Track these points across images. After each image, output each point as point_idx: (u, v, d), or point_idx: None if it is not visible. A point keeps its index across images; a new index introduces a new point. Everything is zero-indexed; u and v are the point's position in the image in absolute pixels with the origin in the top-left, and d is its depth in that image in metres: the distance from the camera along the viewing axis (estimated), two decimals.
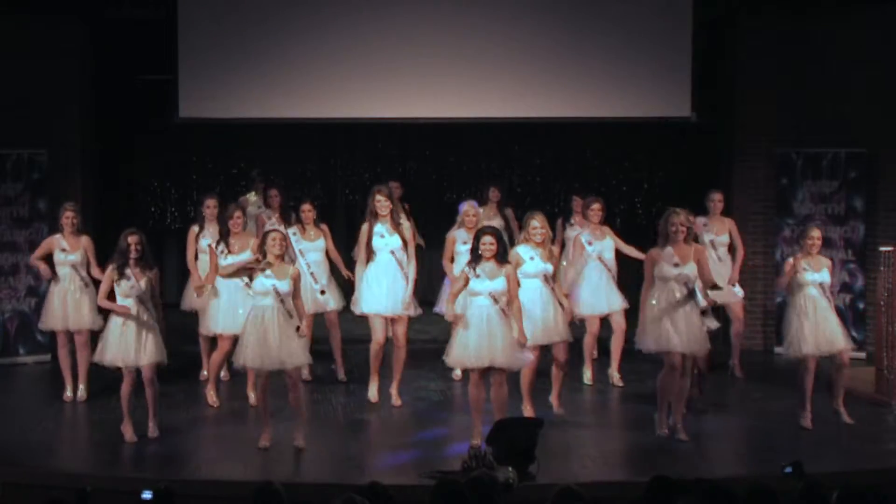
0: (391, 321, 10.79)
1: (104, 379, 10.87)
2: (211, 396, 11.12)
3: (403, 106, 13.58)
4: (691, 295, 9.83)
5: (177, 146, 15.09)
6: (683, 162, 14.85)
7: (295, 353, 9.59)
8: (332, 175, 15.42)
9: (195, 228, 11.74)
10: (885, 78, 12.96)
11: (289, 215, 12.25)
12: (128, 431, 9.93)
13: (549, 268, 10.14)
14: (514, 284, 9.59)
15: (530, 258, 10.11)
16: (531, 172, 15.44)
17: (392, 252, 10.67)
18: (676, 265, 9.76)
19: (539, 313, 10.09)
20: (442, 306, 12.01)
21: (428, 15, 13.52)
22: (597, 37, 13.57)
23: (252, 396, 10.95)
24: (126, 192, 15.07)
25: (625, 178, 15.44)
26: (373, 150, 15.38)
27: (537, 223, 10.17)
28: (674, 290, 9.77)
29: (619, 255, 11.81)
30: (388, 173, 14.77)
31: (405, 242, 10.74)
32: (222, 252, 10.86)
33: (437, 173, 15.49)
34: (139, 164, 15.15)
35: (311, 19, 13.47)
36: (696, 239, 11.00)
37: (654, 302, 9.81)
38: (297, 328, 9.60)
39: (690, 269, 9.80)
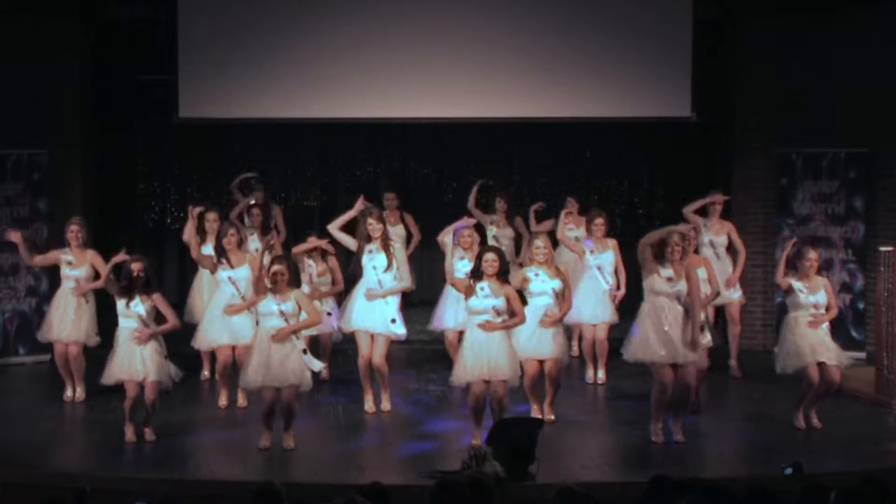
0: (373, 339, 10.78)
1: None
2: (221, 399, 11.12)
3: (403, 106, 13.59)
4: (680, 308, 9.82)
5: (177, 146, 15.07)
6: (683, 162, 14.84)
7: (296, 372, 9.64)
8: (332, 175, 15.41)
9: (196, 238, 11.60)
10: (885, 78, 12.96)
11: (269, 233, 12.21)
12: (128, 431, 9.95)
13: (557, 284, 10.18)
14: (516, 302, 9.68)
15: (535, 275, 10.17)
16: (531, 172, 15.43)
17: (374, 268, 10.68)
18: (669, 280, 9.77)
19: (539, 330, 10.15)
20: (438, 323, 12.01)
21: (428, 15, 13.52)
22: (597, 37, 13.57)
23: (241, 397, 11.00)
24: (126, 191, 15.06)
25: (625, 178, 15.43)
26: (373, 150, 15.37)
27: (541, 243, 10.31)
28: (664, 304, 9.78)
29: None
30: (388, 173, 14.76)
31: (390, 263, 10.71)
32: (222, 266, 10.88)
33: (437, 173, 15.47)
34: (139, 165, 15.13)
35: (310, 19, 13.47)
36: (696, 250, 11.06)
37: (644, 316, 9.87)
38: (305, 350, 9.66)
39: (682, 286, 9.80)
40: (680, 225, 10.49)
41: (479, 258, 9.76)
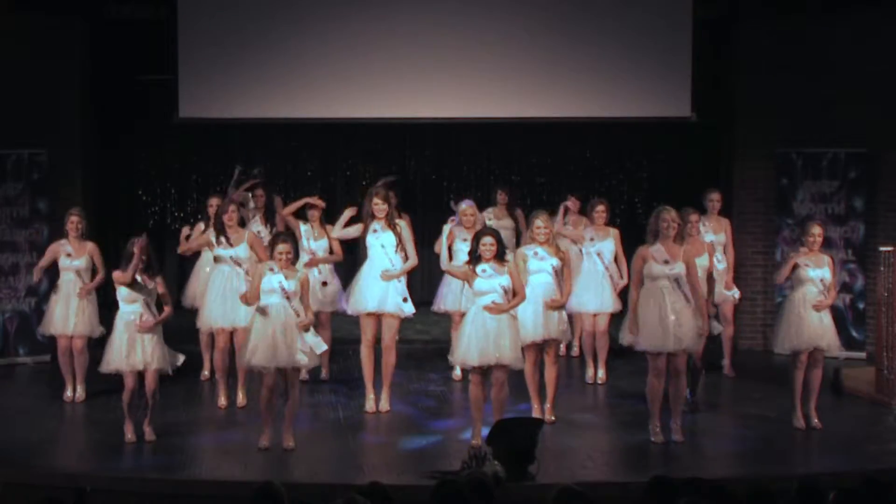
0: (381, 321, 10.78)
1: (103, 380, 10.85)
2: (221, 399, 11.10)
3: (403, 106, 13.58)
4: (681, 292, 9.80)
5: (177, 146, 15.08)
6: (683, 162, 14.85)
7: (299, 354, 9.60)
8: (332, 175, 15.41)
9: (200, 226, 11.76)
10: (885, 78, 12.96)
11: (273, 216, 12.24)
12: (128, 431, 9.94)
13: (556, 262, 10.17)
14: (517, 280, 9.64)
15: (534, 253, 10.17)
16: (531, 172, 15.43)
17: (383, 247, 10.67)
18: (666, 262, 9.75)
19: (540, 309, 10.13)
20: (440, 305, 12.05)
21: (428, 15, 13.52)
22: (597, 37, 13.58)
23: (241, 396, 11.00)
24: (126, 191, 15.07)
25: (625, 178, 15.44)
26: (373, 150, 15.38)
27: (541, 223, 10.25)
28: (663, 288, 9.77)
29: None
30: (388, 173, 14.75)
31: (400, 242, 10.72)
32: (221, 245, 10.90)
33: (437, 173, 15.48)
34: (139, 164, 15.14)
35: (310, 19, 13.47)
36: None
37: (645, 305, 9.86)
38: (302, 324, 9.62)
39: (681, 268, 9.78)
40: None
41: (476, 241, 9.73)
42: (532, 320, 10.13)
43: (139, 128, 14.78)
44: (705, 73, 13.66)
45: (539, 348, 10.30)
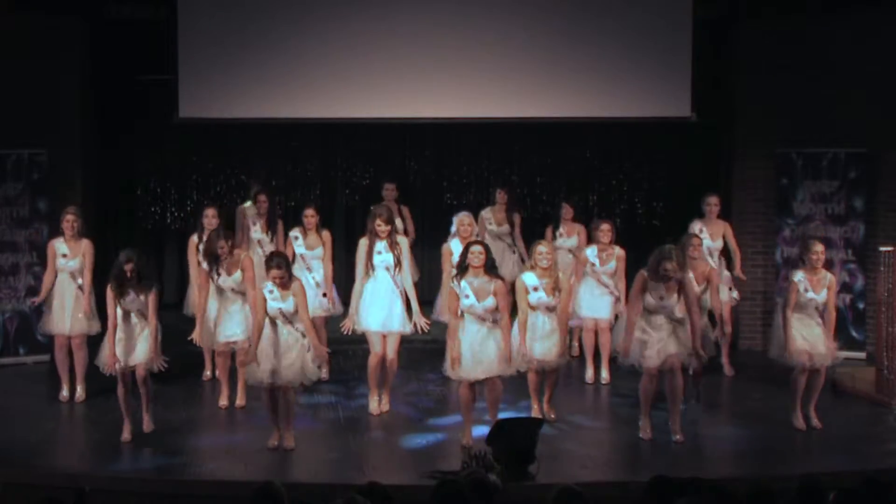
0: (386, 335, 10.79)
1: (102, 380, 10.86)
2: (222, 399, 11.09)
3: (403, 106, 13.58)
4: (679, 321, 9.89)
5: (177, 146, 15.06)
6: (683, 162, 14.83)
7: (300, 372, 9.64)
8: (332, 175, 15.40)
9: (194, 238, 11.76)
10: (885, 78, 12.96)
11: (275, 222, 12.23)
12: (125, 430, 9.95)
13: (552, 301, 10.17)
14: (504, 300, 9.65)
15: (534, 289, 10.16)
16: (531, 172, 15.42)
17: (387, 269, 10.68)
18: (661, 298, 9.86)
19: (538, 338, 10.18)
20: (441, 315, 12.05)
21: (428, 15, 13.52)
22: (597, 37, 13.57)
23: (241, 397, 10.98)
24: (126, 192, 15.05)
25: (625, 178, 15.42)
26: (373, 150, 15.37)
27: (544, 248, 10.27)
28: (657, 319, 9.90)
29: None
30: (388, 173, 14.77)
31: (398, 262, 10.70)
32: (219, 275, 10.83)
33: (437, 173, 15.46)
34: (139, 165, 15.11)
35: (310, 19, 13.47)
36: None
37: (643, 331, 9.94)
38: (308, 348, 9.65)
39: (673, 301, 9.87)
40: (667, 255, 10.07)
41: (465, 250, 9.78)
42: (538, 346, 10.18)
43: (139, 128, 14.75)
44: (705, 73, 13.66)
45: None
